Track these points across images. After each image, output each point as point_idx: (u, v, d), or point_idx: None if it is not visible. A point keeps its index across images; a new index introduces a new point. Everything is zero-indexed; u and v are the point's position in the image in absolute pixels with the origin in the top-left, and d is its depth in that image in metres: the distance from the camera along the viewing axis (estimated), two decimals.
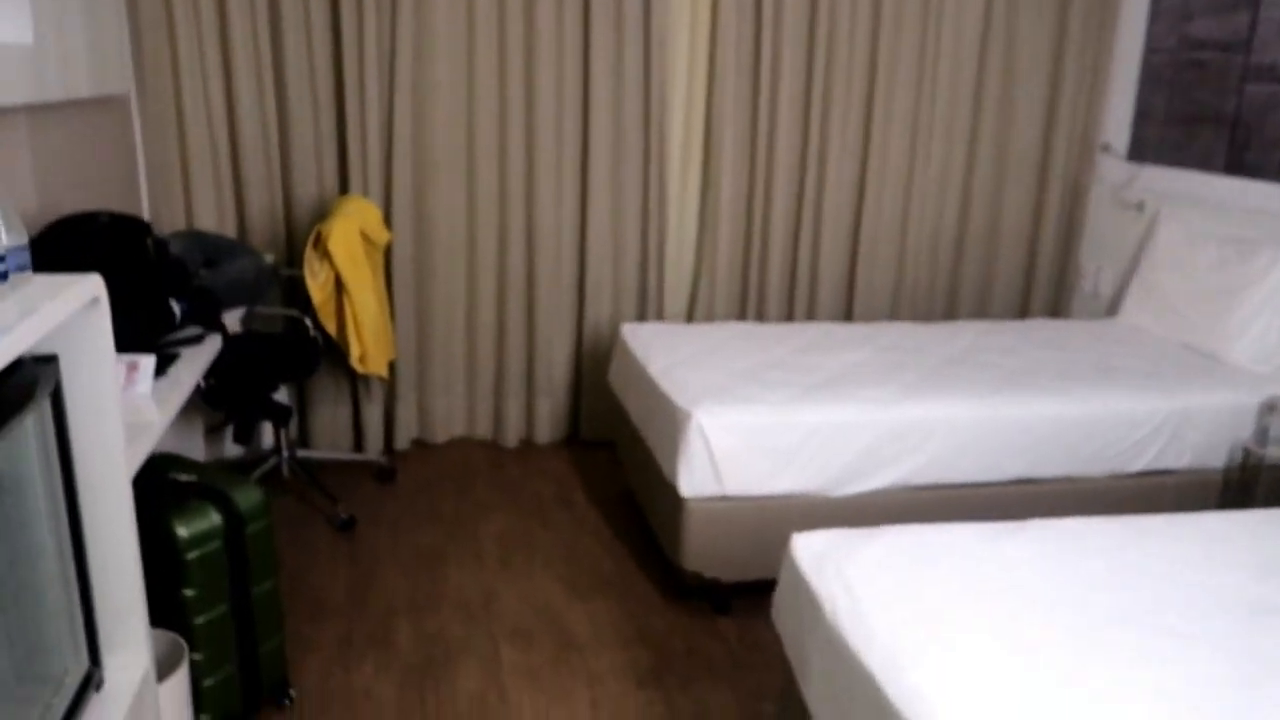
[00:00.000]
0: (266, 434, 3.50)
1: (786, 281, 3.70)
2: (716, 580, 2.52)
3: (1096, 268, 3.79)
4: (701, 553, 2.47)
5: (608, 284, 3.56)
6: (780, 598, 1.77)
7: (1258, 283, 2.94)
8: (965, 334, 3.20)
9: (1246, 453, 2.70)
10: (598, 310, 3.57)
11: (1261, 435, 2.71)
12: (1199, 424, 2.69)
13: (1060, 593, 1.57)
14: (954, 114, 3.65)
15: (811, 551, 1.70)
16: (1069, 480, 2.63)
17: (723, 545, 2.47)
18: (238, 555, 1.90)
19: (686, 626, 2.52)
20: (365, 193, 3.28)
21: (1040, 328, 3.33)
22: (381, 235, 3.09)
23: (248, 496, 1.90)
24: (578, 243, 3.52)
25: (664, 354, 2.84)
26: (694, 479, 2.41)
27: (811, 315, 3.71)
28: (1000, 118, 3.70)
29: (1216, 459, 2.73)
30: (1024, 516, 2.64)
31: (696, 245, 3.69)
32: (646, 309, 3.61)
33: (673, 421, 2.47)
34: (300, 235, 3.28)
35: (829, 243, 3.65)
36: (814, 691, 1.58)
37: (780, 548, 2.46)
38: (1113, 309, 3.65)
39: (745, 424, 2.41)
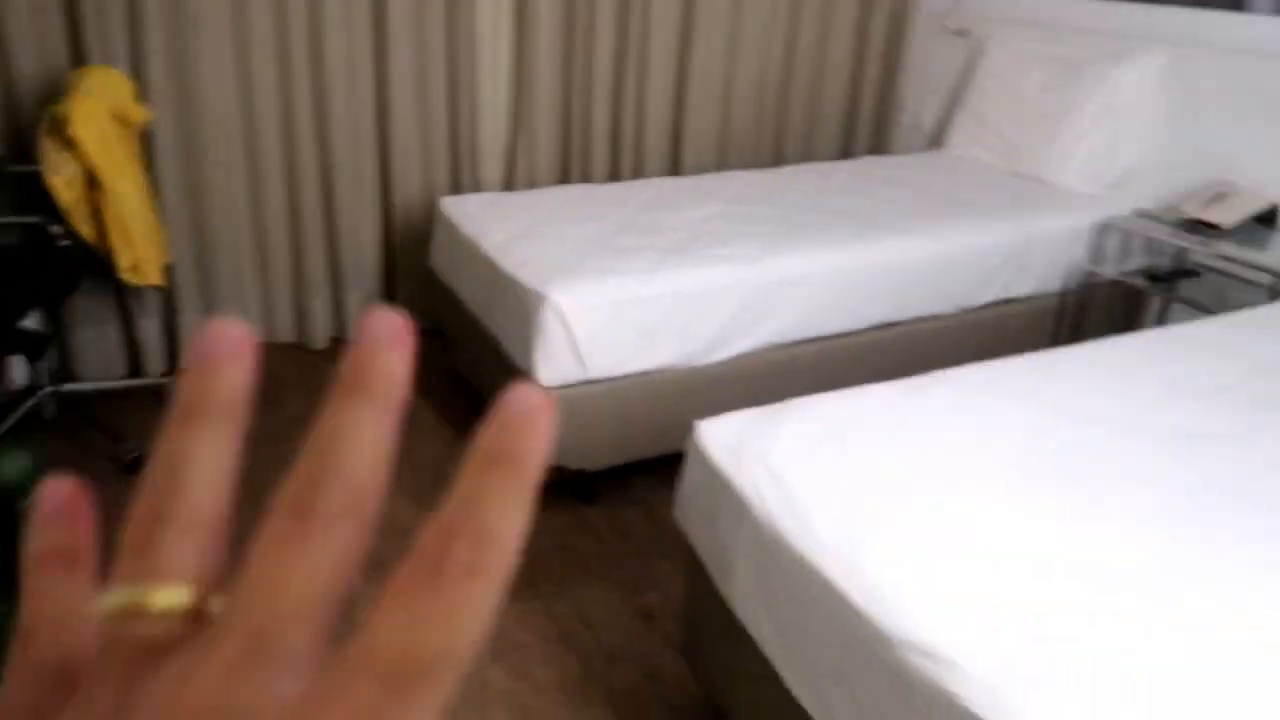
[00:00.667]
0: (18, 370, 2.92)
1: (609, 138, 3.40)
2: (582, 470, 2.32)
3: (918, 100, 3.72)
4: (566, 444, 2.25)
5: (415, 155, 3.13)
6: (688, 495, 1.59)
7: (1085, 103, 2.93)
8: (804, 179, 3.06)
9: (1087, 274, 2.73)
10: (406, 186, 3.15)
11: (1098, 255, 2.75)
12: (1040, 249, 2.69)
13: (996, 440, 1.47)
14: None
15: (722, 440, 1.51)
16: (922, 320, 2.58)
17: (588, 433, 2.26)
18: (7, 540, 1.49)
19: (551, 523, 2.32)
20: (108, 63, 2.66)
21: (874, 165, 3.24)
22: (136, 114, 2.52)
23: (13, 464, 1.48)
24: (376, 108, 3.05)
25: (496, 228, 2.52)
26: (554, 366, 2.16)
27: (639, 173, 3.45)
28: None
29: (1054, 283, 2.76)
30: (888, 362, 2.59)
31: (512, 104, 3.30)
32: (460, 180, 3.23)
33: (523, 305, 2.19)
34: (28, 121, 2.64)
35: (655, 93, 3.37)
36: (742, 591, 1.42)
37: (648, 426, 2.28)
38: (936, 141, 3.61)
39: (606, 301, 2.16)
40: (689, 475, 1.58)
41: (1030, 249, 2.66)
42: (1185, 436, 1.52)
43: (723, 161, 3.56)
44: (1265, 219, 2.56)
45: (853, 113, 3.77)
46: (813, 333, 2.43)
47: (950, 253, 2.54)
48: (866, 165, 3.23)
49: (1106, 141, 2.91)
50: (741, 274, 2.30)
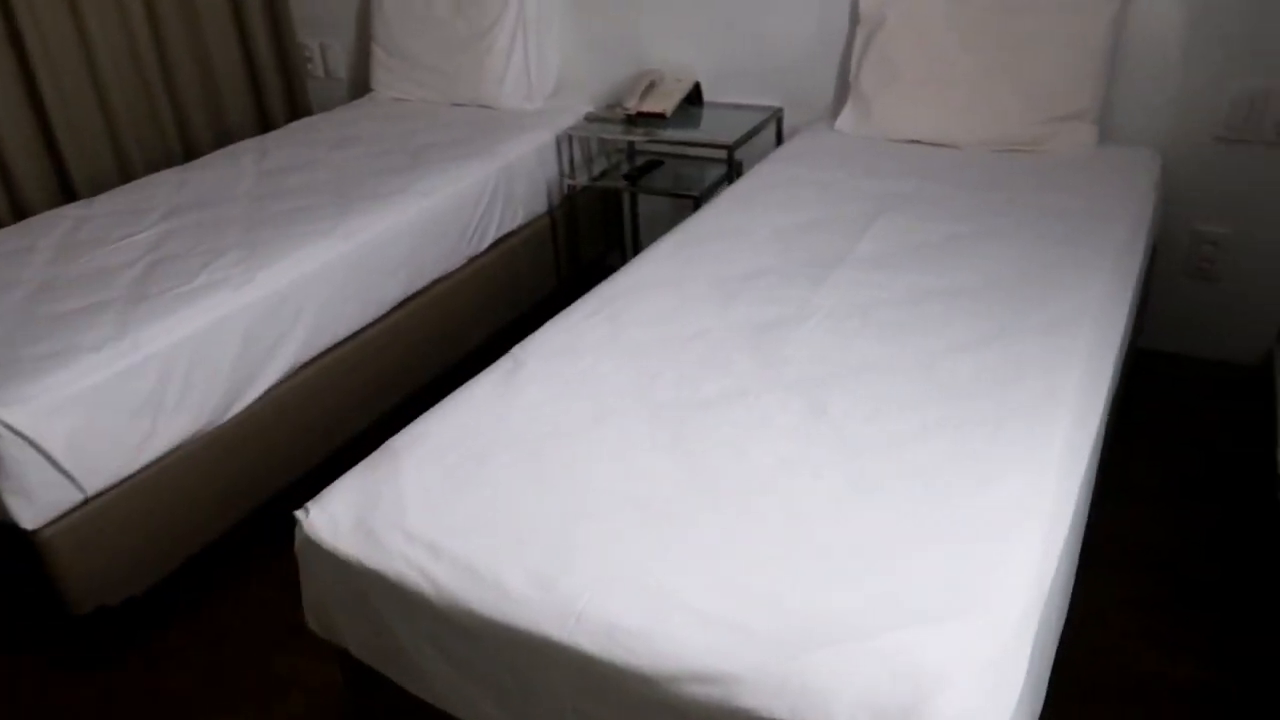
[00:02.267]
0: None
1: None
2: (104, 605, 1.79)
3: (320, 45, 3.39)
4: (88, 583, 1.71)
5: None
6: (319, 601, 1.26)
7: (499, 19, 2.88)
8: (242, 164, 2.62)
9: (568, 188, 2.75)
10: None
11: (570, 166, 2.78)
12: (518, 177, 2.64)
13: (623, 398, 1.38)
14: None
15: (341, 526, 1.21)
16: (441, 280, 2.41)
17: (116, 559, 1.74)
18: None
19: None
20: None
21: (310, 129, 2.88)
22: None
23: None
24: None
25: None
26: (36, 501, 1.60)
27: (23, 211, 2.68)
28: None
29: (541, 204, 2.75)
30: (435, 333, 2.39)
31: None
32: None
33: None
34: None
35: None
36: (440, 686, 1.19)
37: (188, 519, 1.83)
38: (360, 87, 3.34)
39: (73, 395, 1.63)
40: (312, 580, 1.26)
41: (509, 179, 2.59)
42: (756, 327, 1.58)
43: (126, 170, 2.91)
44: (693, 98, 2.77)
45: (255, 77, 3.32)
46: (343, 332, 2.13)
47: (437, 206, 2.36)
48: (301, 131, 2.87)
49: (532, 55, 2.91)
50: (234, 300, 1.89)
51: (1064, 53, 2.25)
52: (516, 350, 1.58)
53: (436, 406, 1.43)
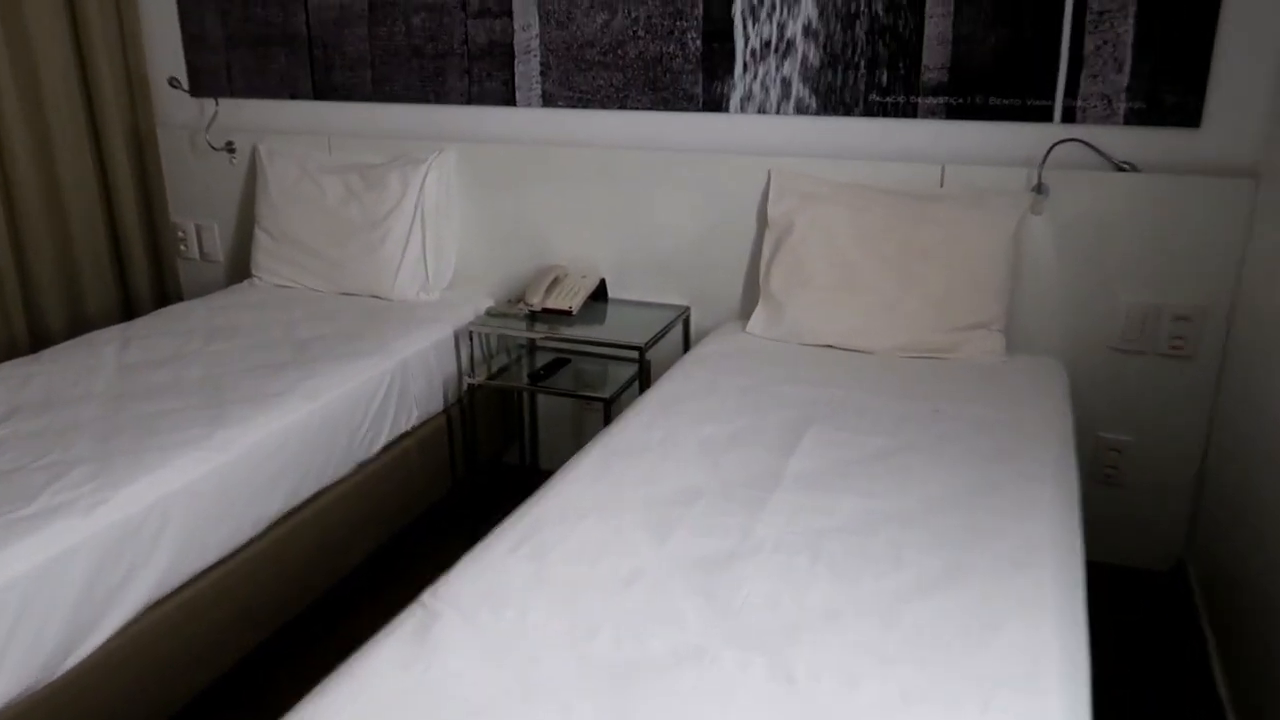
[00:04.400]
0: None
1: None
2: None
3: (195, 227, 3.20)
4: None
5: None
6: None
7: (396, 209, 2.77)
8: (100, 356, 2.35)
9: (469, 387, 2.59)
10: None
11: (470, 368, 2.62)
12: (413, 374, 2.46)
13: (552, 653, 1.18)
14: None
15: None
16: (328, 489, 2.17)
17: None
18: None
19: None
20: None
21: (182, 316, 2.65)
22: None
23: None
24: None
25: None
26: None
27: None
28: (17, 67, 2.72)
29: (437, 403, 2.57)
30: (318, 556, 2.13)
31: None
32: None
33: None
34: None
35: None
36: None
37: None
38: (239, 271, 3.15)
39: None
40: None
41: (405, 376, 2.41)
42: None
43: None
44: (597, 294, 2.70)
45: (122, 258, 3.08)
46: (210, 557, 1.85)
47: (326, 409, 2.15)
48: (171, 318, 2.63)
49: (429, 244, 2.80)
50: (82, 527, 1.61)
51: (967, 265, 2.29)
52: (428, 597, 1.36)
53: (329, 680, 1.20)
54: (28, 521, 1.59)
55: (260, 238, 2.94)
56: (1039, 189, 2.30)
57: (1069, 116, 2.30)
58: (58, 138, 2.85)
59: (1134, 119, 2.25)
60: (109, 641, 1.65)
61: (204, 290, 3.15)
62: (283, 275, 2.91)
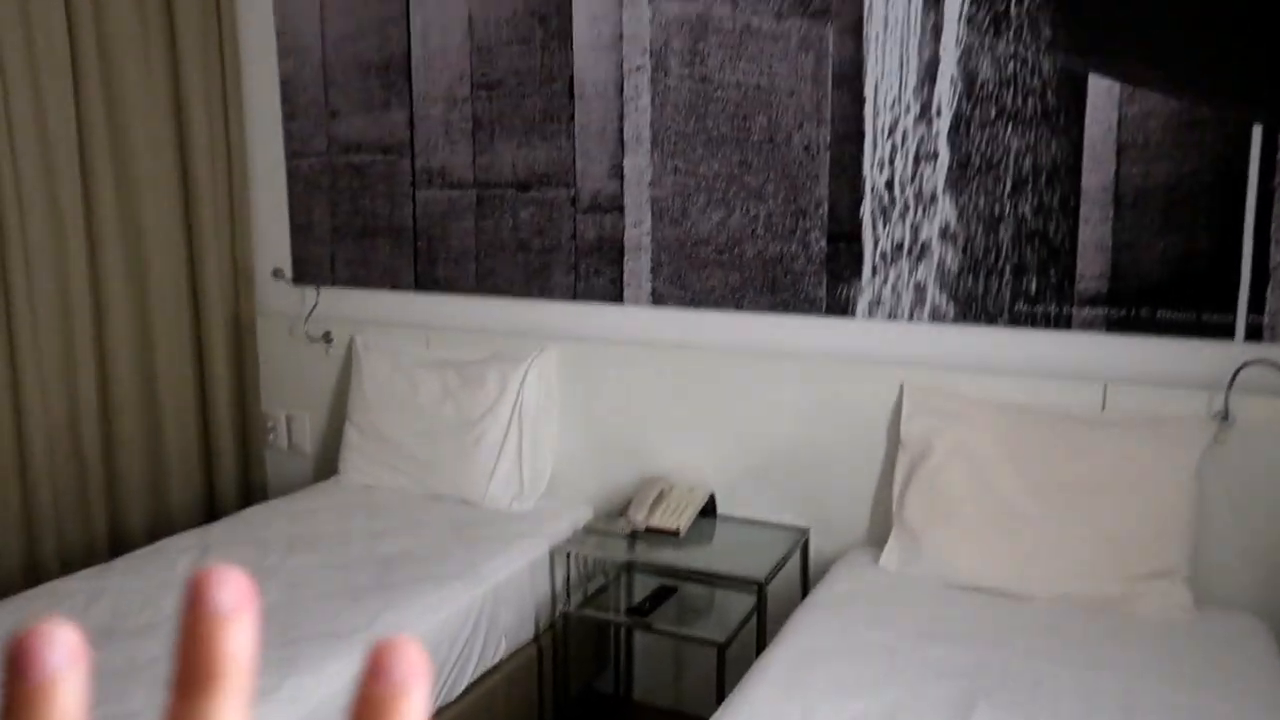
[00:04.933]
0: None
1: None
2: None
3: (286, 417, 3.09)
4: None
5: None
6: None
7: (492, 409, 2.61)
8: (176, 569, 2.18)
9: (563, 615, 2.33)
10: None
11: (565, 592, 2.37)
12: (508, 598, 2.23)
13: None
14: (62, 251, 2.54)
15: None
16: None
17: None
18: None
19: None
20: None
21: (266, 520, 2.48)
22: None
23: None
24: None
25: None
26: None
27: None
28: (129, 253, 2.71)
29: (527, 632, 2.31)
30: None
31: None
32: None
33: None
34: None
35: None
36: None
37: None
38: (325, 466, 3.00)
39: None
40: None
41: (495, 604, 2.17)
42: None
43: (33, 572, 2.45)
44: (705, 510, 2.45)
45: (210, 446, 2.97)
46: None
47: (422, 638, 1.91)
48: (252, 524, 2.46)
49: (525, 449, 2.60)
50: None
51: (1141, 501, 1.98)
52: None
53: None
54: None
55: (350, 433, 2.80)
56: (1225, 416, 2.00)
57: (1255, 334, 2.02)
58: (159, 327, 2.80)
59: None
60: None
61: (289, 481, 3.00)
62: (371, 474, 2.75)
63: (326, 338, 2.97)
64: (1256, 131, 1.98)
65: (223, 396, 2.96)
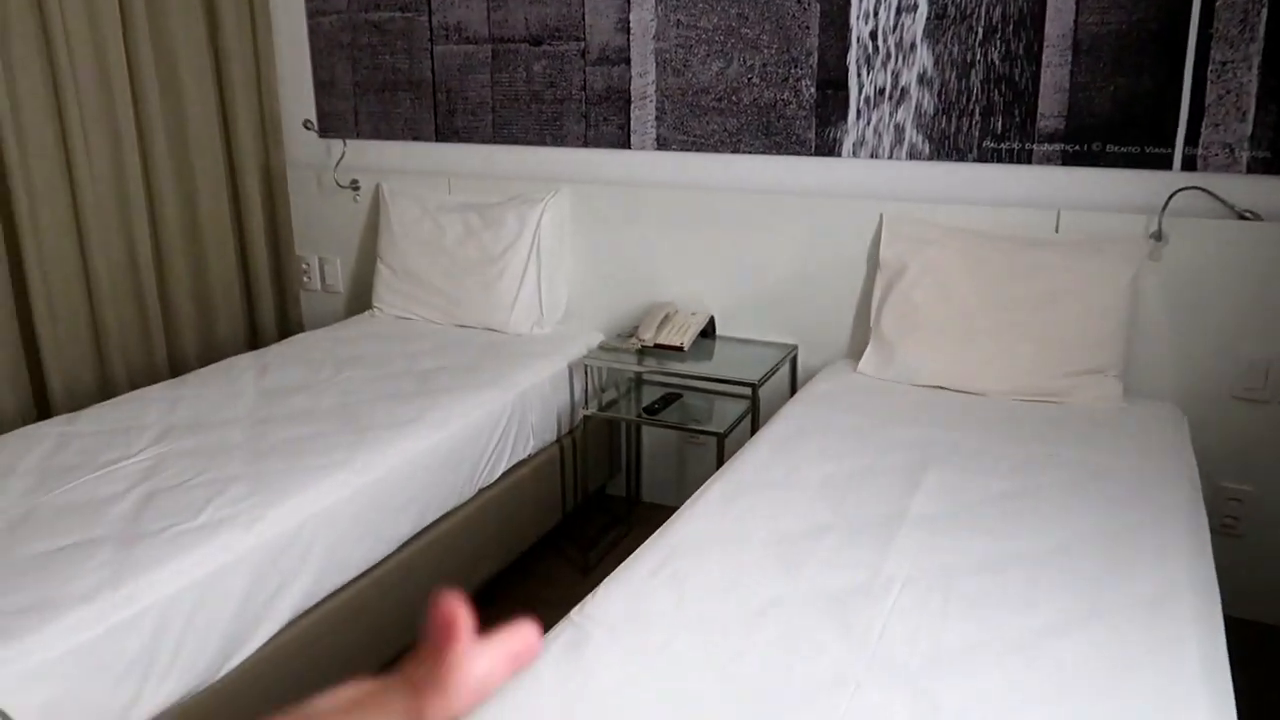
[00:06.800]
0: None
1: None
2: None
3: (319, 260, 3.36)
4: None
5: None
6: None
7: (512, 246, 2.89)
8: (240, 383, 2.49)
9: (583, 418, 2.67)
10: None
11: (584, 399, 2.71)
12: (534, 403, 2.56)
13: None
14: (111, 110, 2.76)
15: None
16: (451, 514, 2.25)
17: None
18: None
19: None
20: None
21: (309, 346, 2.79)
22: None
23: None
24: None
25: None
26: None
27: None
28: (167, 110, 2.94)
29: (550, 433, 2.65)
30: (431, 582, 2.20)
31: None
32: None
33: None
34: None
35: None
36: None
37: None
38: (359, 303, 3.30)
39: (58, 652, 1.42)
40: None
41: (524, 407, 2.50)
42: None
43: (108, 385, 2.77)
44: (706, 332, 2.76)
45: (251, 287, 3.26)
46: (349, 574, 1.95)
47: (454, 437, 2.25)
48: (301, 347, 2.77)
49: (543, 280, 2.90)
50: (244, 540, 1.72)
51: (1083, 310, 2.30)
52: (576, 615, 1.43)
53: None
54: (194, 534, 1.70)
55: (382, 271, 3.09)
56: (1158, 236, 2.30)
57: (1189, 165, 2.30)
58: (199, 175, 3.04)
59: (1258, 167, 2.25)
60: (260, 649, 1.74)
61: (324, 320, 3.30)
62: (402, 308, 3.05)
63: (354, 185, 3.22)
64: None
65: (259, 241, 3.23)
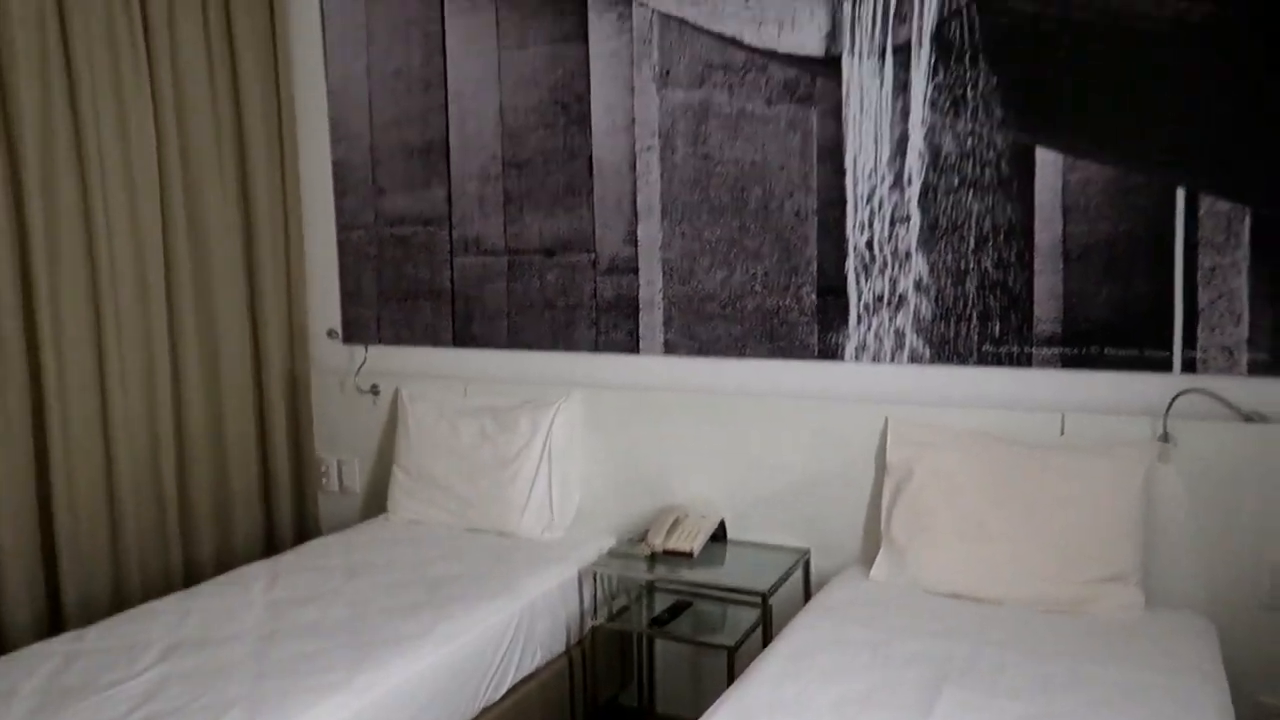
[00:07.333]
0: None
1: None
2: None
3: (337, 462, 3.42)
4: None
5: None
6: None
7: (525, 449, 2.93)
8: (251, 592, 2.48)
9: (592, 629, 2.62)
10: None
11: (593, 609, 2.67)
12: (542, 613, 2.52)
13: None
14: (147, 316, 2.90)
15: None
16: None
17: None
18: None
19: None
20: None
21: (322, 553, 2.79)
22: None
23: None
24: None
25: None
26: None
27: (2, 637, 2.51)
28: (200, 318, 3.09)
29: (559, 644, 2.60)
30: None
31: None
32: None
33: None
34: None
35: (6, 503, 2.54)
36: None
37: None
38: (373, 504, 3.33)
39: None
40: None
41: (532, 617, 2.47)
42: None
43: (122, 594, 2.78)
44: (716, 535, 2.74)
45: (269, 488, 3.31)
46: None
47: (458, 652, 2.21)
48: (313, 555, 2.78)
49: (555, 483, 2.92)
50: None
51: (1096, 516, 2.26)
52: None
53: None
54: None
55: (398, 475, 3.12)
56: (1165, 438, 2.30)
57: (1189, 367, 2.32)
58: (225, 380, 3.15)
59: (1259, 370, 2.26)
60: None
61: (340, 520, 3.32)
62: (415, 511, 3.06)
63: (374, 390, 3.31)
64: (1180, 194, 2.31)
65: (281, 443, 3.30)
